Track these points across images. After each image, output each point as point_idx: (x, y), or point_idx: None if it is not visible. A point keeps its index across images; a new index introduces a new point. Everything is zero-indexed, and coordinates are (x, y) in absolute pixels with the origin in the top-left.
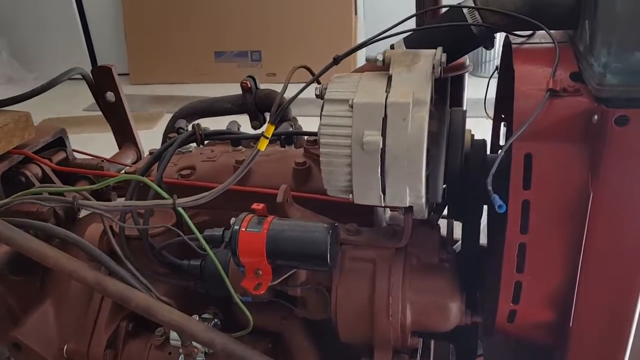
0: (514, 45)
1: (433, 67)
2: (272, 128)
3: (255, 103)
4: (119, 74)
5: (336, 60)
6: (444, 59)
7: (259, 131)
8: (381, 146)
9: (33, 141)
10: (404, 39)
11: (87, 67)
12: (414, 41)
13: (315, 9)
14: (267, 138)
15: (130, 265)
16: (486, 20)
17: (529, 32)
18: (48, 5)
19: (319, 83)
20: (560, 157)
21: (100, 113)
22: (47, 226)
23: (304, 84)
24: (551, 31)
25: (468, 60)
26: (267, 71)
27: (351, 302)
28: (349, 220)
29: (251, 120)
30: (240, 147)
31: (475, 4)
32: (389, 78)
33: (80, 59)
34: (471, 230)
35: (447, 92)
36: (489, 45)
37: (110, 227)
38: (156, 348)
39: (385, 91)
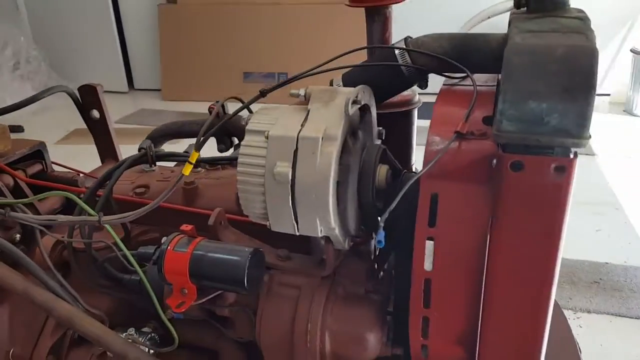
0: (443, 87)
1: (345, 105)
2: (196, 155)
3: (223, 127)
4: (152, 89)
5: (262, 93)
6: (360, 97)
7: (226, 153)
8: (291, 178)
9: (8, 152)
10: (343, 74)
11: (122, 80)
12: (351, 78)
13: (338, 36)
14: (191, 164)
15: (60, 277)
16: (416, 61)
17: (463, 74)
18: (89, 20)
19: (250, 112)
20: (465, 198)
21: (131, 125)
22: None
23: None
24: (480, 74)
25: (417, 96)
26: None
27: (274, 326)
28: (288, 245)
29: (217, 144)
30: (199, 169)
31: (406, 46)
32: (307, 113)
33: (115, 73)
34: (400, 261)
35: (371, 127)
36: (423, 85)
37: (69, 241)
38: (97, 358)
39: (301, 125)
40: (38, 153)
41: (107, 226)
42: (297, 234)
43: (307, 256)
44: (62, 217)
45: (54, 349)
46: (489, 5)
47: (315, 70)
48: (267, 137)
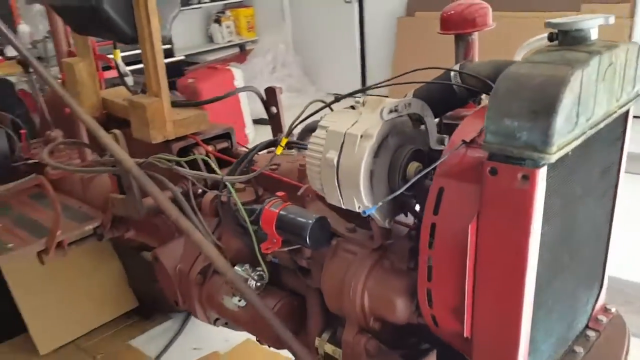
0: (482, 104)
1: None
2: (285, 140)
3: None
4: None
5: (337, 99)
6: (400, 107)
7: None
8: (336, 163)
9: (205, 132)
10: (415, 90)
11: (357, 86)
12: (418, 93)
13: None
14: (281, 146)
15: (200, 217)
16: (467, 82)
17: None
18: (337, 32)
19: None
20: (461, 193)
21: None
22: (162, 178)
23: None
24: None
25: None
26: None
27: (332, 279)
28: (359, 222)
29: None
30: None
31: (460, 70)
32: (359, 116)
33: (352, 79)
34: None
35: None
36: (476, 102)
37: (219, 195)
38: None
39: (352, 124)
40: (227, 135)
41: (228, 184)
42: (343, 207)
43: (367, 231)
44: (204, 174)
45: (202, 270)
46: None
47: (384, 84)
48: (326, 131)
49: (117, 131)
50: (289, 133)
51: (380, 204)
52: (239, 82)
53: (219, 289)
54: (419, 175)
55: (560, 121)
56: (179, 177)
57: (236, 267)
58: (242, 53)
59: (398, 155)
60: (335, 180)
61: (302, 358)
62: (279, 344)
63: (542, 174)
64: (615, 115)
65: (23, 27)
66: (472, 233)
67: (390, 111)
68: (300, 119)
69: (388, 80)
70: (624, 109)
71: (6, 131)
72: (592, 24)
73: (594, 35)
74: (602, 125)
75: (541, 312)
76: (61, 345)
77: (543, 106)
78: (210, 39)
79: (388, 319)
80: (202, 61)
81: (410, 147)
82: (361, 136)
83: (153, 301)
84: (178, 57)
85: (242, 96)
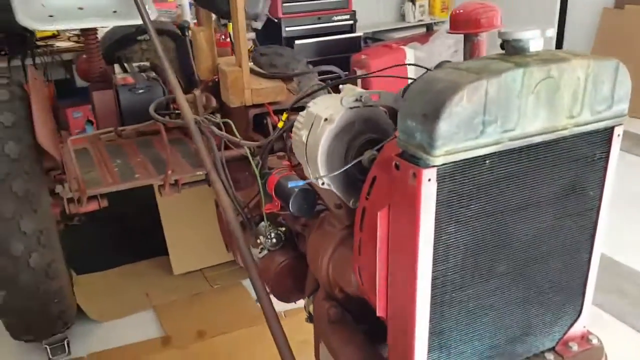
0: None
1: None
2: (285, 115)
3: None
4: None
5: (327, 85)
6: (365, 98)
7: None
8: (305, 140)
9: (283, 103)
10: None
11: None
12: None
13: None
14: (282, 121)
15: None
16: None
17: None
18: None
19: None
20: (384, 183)
21: None
22: (208, 136)
23: None
24: None
25: None
26: None
27: (312, 248)
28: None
29: None
30: None
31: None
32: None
33: None
34: None
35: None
36: None
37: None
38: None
39: (325, 108)
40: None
41: (245, 148)
42: (310, 180)
43: (350, 210)
44: (226, 135)
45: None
46: None
47: (364, 75)
48: (305, 112)
49: (197, 92)
50: (291, 108)
51: (330, 175)
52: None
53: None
54: (353, 163)
55: (448, 127)
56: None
57: (261, 224)
58: (427, 33)
59: (356, 141)
60: (304, 155)
61: (265, 308)
62: (286, 296)
63: (428, 174)
64: (574, 132)
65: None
66: (382, 221)
67: (355, 100)
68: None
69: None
70: (591, 127)
71: (161, 85)
72: (528, 35)
73: (533, 46)
74: (538, 139)
75: (455, 310)
76: (191, 270)
77: (431, 111)
78: (403, 17)
79: (347, 291)
80: (388, 39)
81: (369, 135)
82: (325, 119)
83: None
84: (358, 34)
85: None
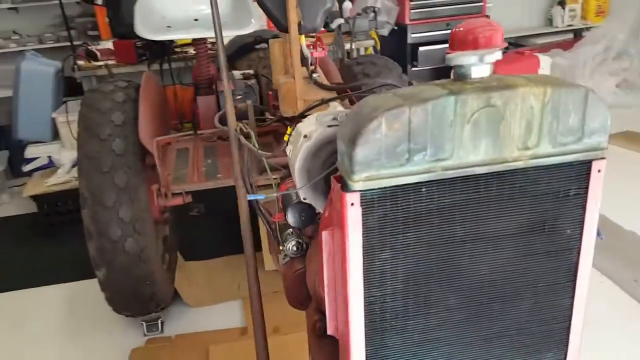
0: None
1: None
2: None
3: None
4: None
5: (323, 102)
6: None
7: None
8: (290, 153)
9: None
10: None
11: None
12: None
13: None
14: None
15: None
16: None
17: None
18: None
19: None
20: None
21: None
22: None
23: None
24: None
25: None
26: None
27: (307, 260)
28: None
29: None
30: None
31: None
32: None
33: None
34: None
35: None
36: None
37: None
38: None
39: (312, 125)
40: None
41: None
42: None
43: None
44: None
45: None
46: None
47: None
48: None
49: (249, 102)
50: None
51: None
52: (544, 71)
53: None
54: (321, 176)
55: (365, 153)
56: None
57: (287, 231)
58: (574, 39)
59: (332, 158)
60: (290, 167)
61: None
62: (298, 304)
63: (350, 199)
64: (532, 164)
65: (347, 4)
66: (325, 241)
67: (332, 119)
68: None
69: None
70: (556, 160)
71: (254, 91)
72: (470, 60)
73: (475, 73)
74: (482, 170)
75: (398, 338)
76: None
77: (352, 136)
78: (550, 22)
79: None
80: (530, 44)
81: None
82: (304, 136)
83: None
84: None
85: None
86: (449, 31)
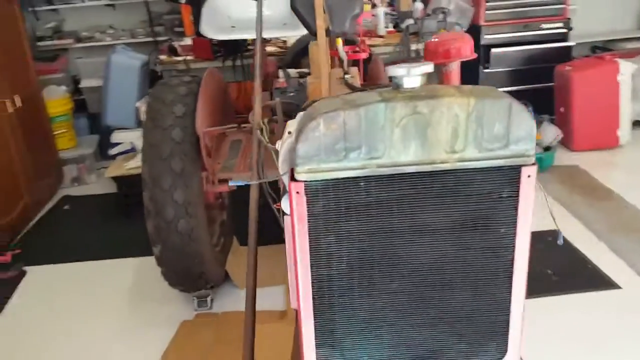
0: None
1: None
2: None
3: None
4: None
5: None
6: None
7: None
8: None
9: None
10: None
11: None
12: None
13: None
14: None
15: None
16: None
17: None
18: None
19: None
20: None
21: None
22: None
23: None
24: None
25: None
26: None
27: None
28: None
29: None
30: None
31: None
32: None
33: None
34: None
35: None
36: None
37: None
38: None
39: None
40: None
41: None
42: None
43: None
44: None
45: None
46: None
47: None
48: None
49: (277, 100)
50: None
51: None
52: (624, 78)
53: None
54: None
55: (306, 149)
56: None
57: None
58: None
59: None
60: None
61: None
62: None
63: (296, 187)
64: (459, 166)
65: (418, 5)
66: (287, 221)
67: None
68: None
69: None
70: (482, 164)
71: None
72: (400, 72)
73: (406, 84)
74: (412, 169)
75: (344, 315)
76: None
77: (297, 134)
78: None
79: None
80: (619, 48)
81: None
82: (289, 132)
83: None
84: (569, 43)
85: (625, 93)
86: (525, 33)
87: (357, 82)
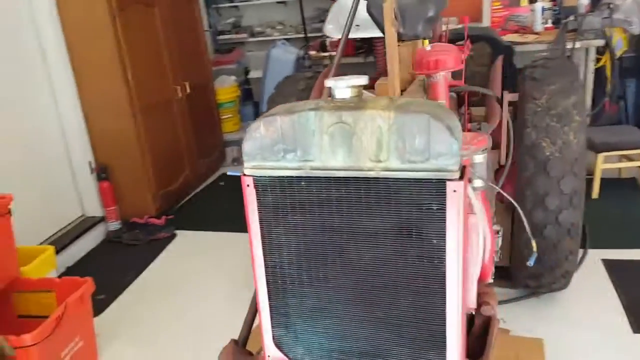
0: None
1: None
2: None
3: None
4: None
5: None
6: None
7: None
8: None
9: None
10: None
11: None
12: None
13: None
14: None
15: None
16: None
17: None
18: None
19: None
20: None
21: None
22: None
23: None
24: None
25: None
26: None
27: None
28: None
29: None
30: None
31: None
32: None
33: None
34: None
35: None
36: None
37: None
38: None
39: None
40: None
41: None
42: None
43: None
44: None
45: None
46: None
47: None
48: None
49: None
50: None
51: None
52: None
53: None
54: None
55: (250, 147)
56: None
57: None
58: None
59: None
60: None
61: None
62: None
63: (246, 181)
64: (383, 175)
65: (583, 0)
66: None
67: None
68: None
69: None
70: (405, 175)
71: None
72: (329, 83)
73: (338, 94)
74: (342, 174)
75: (296, 301)
76: None
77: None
78: None
79: None
80: None
81: None
82: None
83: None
84: None
85: None
86: None
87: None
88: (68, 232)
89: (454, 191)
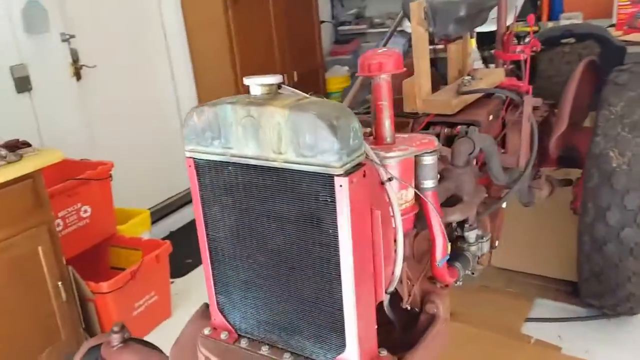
0: None
1: None
2: None
3: None
4: None
5: None
6: None
7: None
8: None
9: (452, 117)
10: None
11: None
12: None
13: None
14: None
15: None
16: None
17: None
18: None
19: None
20: None
21: None
22: None
23: None
24: None
25: None
26: None
27: None
28: None
29: None
30: None
31: None
32: None
33: None
34: None
35: None
36: None
37: None
38: None
39: None
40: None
41: None
42: None
43: None
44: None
45: None
46: None
47: None
48: None
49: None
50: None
51: None
52: None
53: None
54: None
55: (188, 132)
56: None
57: None
58: None
59: None
60: None
61: None
62: None
63: (188, 162)
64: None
65: None
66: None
67: None
68: None
69: None
70: (300, 167)
71: None
72: (247, 82)
73: (253, 91)
74: (254, 162)
75: (232, 272)
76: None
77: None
78: None
79: None
80: None
81: None
82: None
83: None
84: None
85: None
86: None
87: (478, 85)
88: (178, 200)
89: (340, 186)
